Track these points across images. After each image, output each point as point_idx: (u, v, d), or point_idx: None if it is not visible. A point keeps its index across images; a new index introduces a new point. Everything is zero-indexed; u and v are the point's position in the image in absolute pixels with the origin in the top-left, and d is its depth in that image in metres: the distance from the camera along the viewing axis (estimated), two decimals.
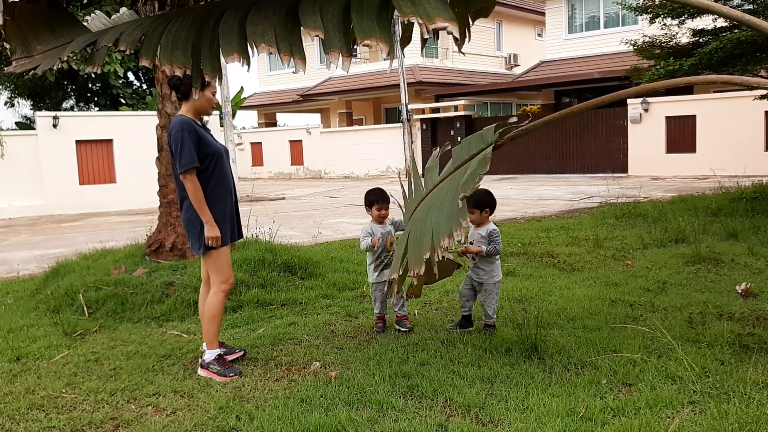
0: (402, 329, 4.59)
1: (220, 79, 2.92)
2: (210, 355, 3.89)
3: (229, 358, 4.01)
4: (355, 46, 2.86)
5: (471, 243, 4.39)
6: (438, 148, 3.95)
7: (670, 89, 17.40)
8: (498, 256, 4.45)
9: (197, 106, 3.99)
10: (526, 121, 3.43)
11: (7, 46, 3.60)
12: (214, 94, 4.04)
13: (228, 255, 3.96)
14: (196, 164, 3.80)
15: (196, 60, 2.97)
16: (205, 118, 4.20)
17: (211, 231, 3.80)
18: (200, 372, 3.86)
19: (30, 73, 3.34)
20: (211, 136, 4.07)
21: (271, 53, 2.71)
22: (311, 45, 25.18)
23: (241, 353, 4.12)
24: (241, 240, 6.69)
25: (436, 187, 3.59)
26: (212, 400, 3.43)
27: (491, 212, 4.47)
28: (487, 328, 4.43)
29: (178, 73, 2.86)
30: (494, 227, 4.41)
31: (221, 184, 3.94)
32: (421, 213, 3.53)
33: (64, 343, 4.56)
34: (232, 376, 3.77)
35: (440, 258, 3.02)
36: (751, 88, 12.31)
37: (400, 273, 3.50)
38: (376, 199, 4.60)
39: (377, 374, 3.67)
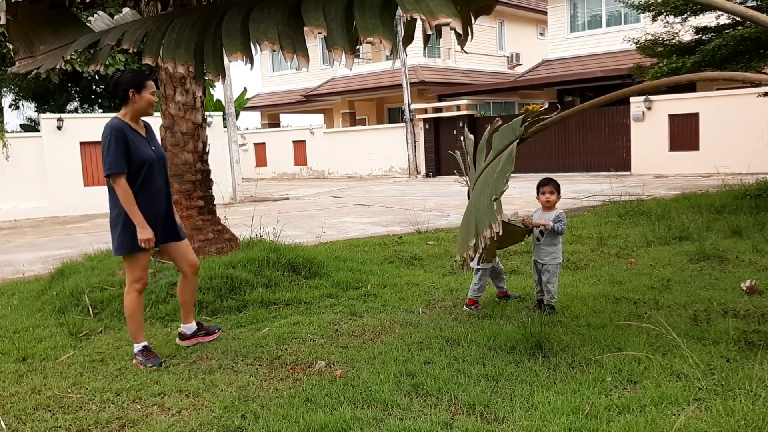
0: (516, 297, 5.25)
1: (224, 77, 2.93)
2: (136, 347, 4.14)
3: (209, 338, 4.46)
4: (358, 45, 2.87)
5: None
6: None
7: (673, 87, 17.35)
8: (561, 239, 4.77)
9: (137, 109, 4.01)
10: (555, 113, 3.56)
11: (10, 47, 3.60)
12: (153, 94, 4.01)
13: (146, 258, 4.07)
14: (122, 170, 3.87)
15: (199, 59, 2.98)
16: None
17: (143, 233, 3.87)
18: (134, 361, 4.13)
19: (33, 73, 3.36)
20: (147, 140, 4.07)
21: (274, 50, 2.71)
22: (314, 45, 25.23)
23: (218, 332, 4.54)
24: (246, 240, 6.75)
25: (482, 171, 3.84)
26: (217, 400, 3.44)
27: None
28: (550, 309, 4.70)
29: (181, 70, 2.86)
30: (561, 211, 4.72)
31: (146, 192, 3.98)
32: (473, 194, 3.81)
33: (70, 344, 4.58)
34: (150, 366, 3.99)
35: (484, 245, 3.23)
36: (754, 84, 12.23)
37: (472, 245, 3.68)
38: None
39: (382, 373, 3.67)
